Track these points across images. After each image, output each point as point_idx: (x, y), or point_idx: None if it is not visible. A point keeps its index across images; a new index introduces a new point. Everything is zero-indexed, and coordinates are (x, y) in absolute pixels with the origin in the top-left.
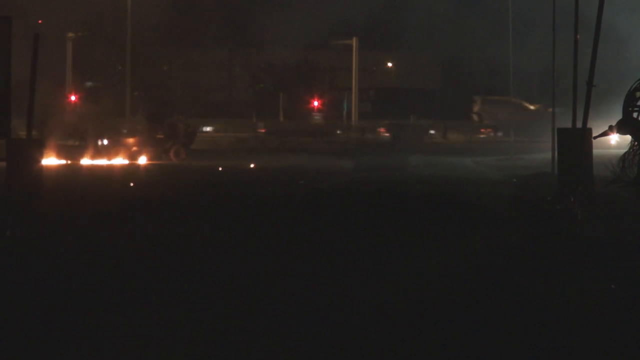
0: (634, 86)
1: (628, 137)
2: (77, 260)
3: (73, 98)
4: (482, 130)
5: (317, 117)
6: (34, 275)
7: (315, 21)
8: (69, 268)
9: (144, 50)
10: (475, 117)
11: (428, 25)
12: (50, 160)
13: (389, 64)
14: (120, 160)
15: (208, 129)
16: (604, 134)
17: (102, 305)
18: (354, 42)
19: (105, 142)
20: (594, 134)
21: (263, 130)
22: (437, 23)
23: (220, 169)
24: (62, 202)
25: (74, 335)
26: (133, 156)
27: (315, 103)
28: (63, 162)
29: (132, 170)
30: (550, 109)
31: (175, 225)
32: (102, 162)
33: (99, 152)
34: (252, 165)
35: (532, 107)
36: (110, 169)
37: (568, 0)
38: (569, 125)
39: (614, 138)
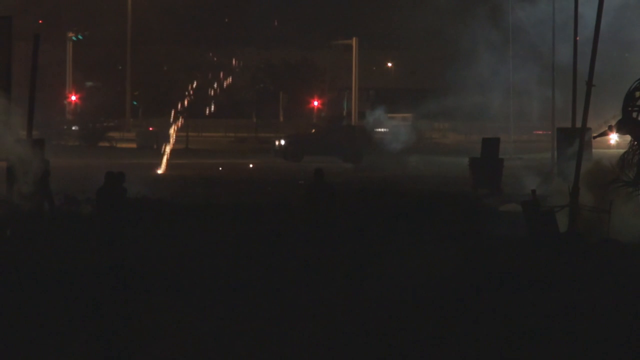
0: (633, 86)
1: (628, 137)
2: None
3: (73, 98)
4: None
5: None
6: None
7: (315, 21)
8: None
9: (144, 50)
10: None
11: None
12: None
13: (389, 64)
14: None
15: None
16: (604, 133)
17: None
18: (354, 42)
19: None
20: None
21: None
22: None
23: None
24: None
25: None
26: None
27: (315, 103)
28: None
29: None
30: None
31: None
32: None
33: None
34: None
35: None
36: None
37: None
38: None
39: (614, 138)
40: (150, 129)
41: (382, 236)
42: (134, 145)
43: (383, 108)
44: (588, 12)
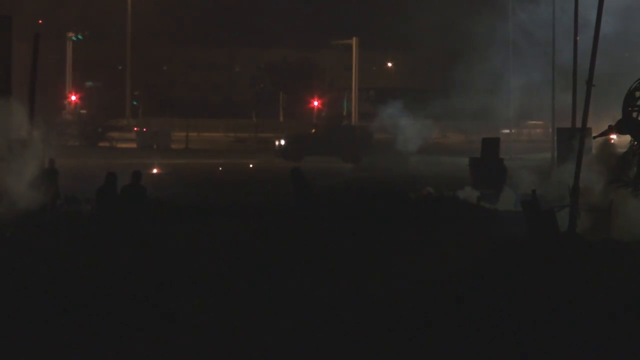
0: (633, 86)
1: (628, 137)
2: None
3: (73, 98)
4: None
5: None
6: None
7: (315, 21)
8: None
9: (144, 50)
10: None
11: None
12: None
13: (389, 64)
14: None
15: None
16: (604, 133)
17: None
18: (354, 42)
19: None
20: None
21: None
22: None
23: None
24: None
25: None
26: None
27: (315, 103)
28: None
29: None
30: None
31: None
32: None
33: None
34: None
35: None
36: None
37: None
38: None
39: (614, 138)
40: (135, 129)
41: (379, 237)
42: (134, 145)
43: (398, 106)
44: (594, 14)
